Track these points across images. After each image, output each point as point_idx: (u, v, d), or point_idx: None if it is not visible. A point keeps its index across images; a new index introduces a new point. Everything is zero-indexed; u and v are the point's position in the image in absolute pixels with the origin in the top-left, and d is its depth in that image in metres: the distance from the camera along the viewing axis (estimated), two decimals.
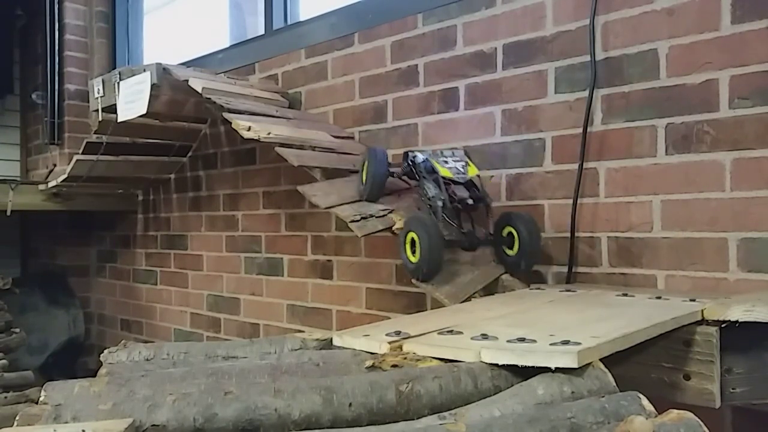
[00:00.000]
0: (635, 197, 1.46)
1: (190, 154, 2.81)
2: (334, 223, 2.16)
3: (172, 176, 2.93)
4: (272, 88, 2.32)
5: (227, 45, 2.75)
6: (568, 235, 1.54)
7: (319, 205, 1.55)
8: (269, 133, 1.71)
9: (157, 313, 3.01)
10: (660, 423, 0.60)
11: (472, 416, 0.65)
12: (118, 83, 2.26)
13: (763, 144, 1.29)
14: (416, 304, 1.88)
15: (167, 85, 2.16)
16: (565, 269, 1.55)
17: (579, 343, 0.76)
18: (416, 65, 1.92)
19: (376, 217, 1.49)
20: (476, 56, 1.77)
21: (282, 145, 1.73)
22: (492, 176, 1.71)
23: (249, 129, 1.71)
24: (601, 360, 0.76)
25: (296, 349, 0.89)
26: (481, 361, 0.76)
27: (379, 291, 2.01)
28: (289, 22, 2.48)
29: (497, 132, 1.71)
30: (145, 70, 2.15)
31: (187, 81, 1.99)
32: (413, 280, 1.39)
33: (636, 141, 1.46)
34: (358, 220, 1.46)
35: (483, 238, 1.47)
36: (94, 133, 2.50)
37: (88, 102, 2.63)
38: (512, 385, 0.73)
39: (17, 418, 0.62)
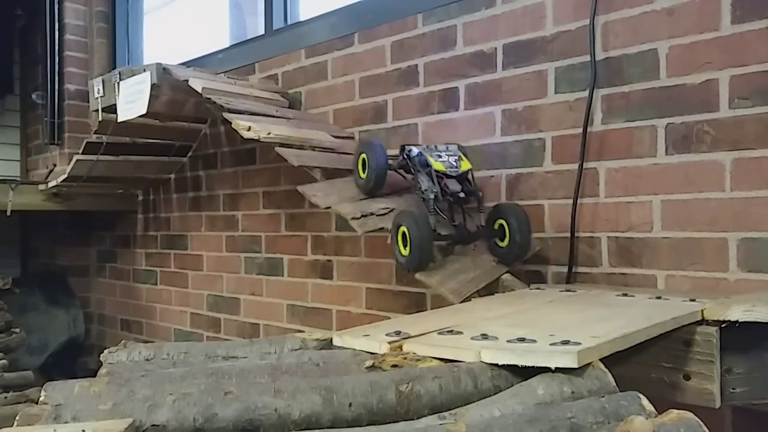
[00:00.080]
0: (635, 197, 1.46)
1: (190, 154, 2.81)
2: (334, 223, 2.16)
3: (172, 176, 2.93)
4: (272, 88, 2.32)
5: (227, 45, 2.75)
6: (568, 235, 1.54)
7: (319, 205, 1.56)
8: (269, 133, 1.71)
9: (157, 313, 3.01)
10: (660, 423, 0.60)
11: (472, 416, 0.65)
12: (118, 83, 2.26)
13: (763, 144, 1.29)
14: (416, 304, 1.88)
15: (167, 85, 2.16)
16: (565, 269, 1.55)
17: (579, 343, 0.76)
18: (416, 65, 1.92)
19: (377, 215, 1.50)
20: (476, 56, 1.77)
21: (282, 145, 1.74)
22: (492, 176, 1.72)
23: (249, 129, 1.71)
24: (601, 360, 0.76)
25: (296, 349, 0.89)
26: (481, 361, 0.76)
27: (379, 291, 2.01)
28: (289, 22, 2.48)
29: (497, 132, 1.72)
30: (145, 70, 2.15)
31: (187, 81, 1.99)
32: (414, 275, 1.39)
33: (636, 141, 1.46)
34: (359, 218, 1.46)
35: (475, 231, 1.48)
36: (94, 133, 2.50)
37: (88, 102, 2.63)
38: (512, 385, 0.73)
39: (17, 418, 0.62)
